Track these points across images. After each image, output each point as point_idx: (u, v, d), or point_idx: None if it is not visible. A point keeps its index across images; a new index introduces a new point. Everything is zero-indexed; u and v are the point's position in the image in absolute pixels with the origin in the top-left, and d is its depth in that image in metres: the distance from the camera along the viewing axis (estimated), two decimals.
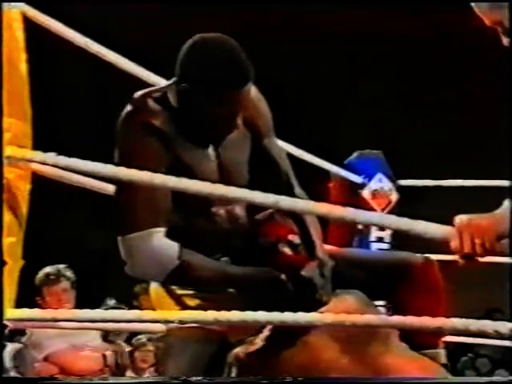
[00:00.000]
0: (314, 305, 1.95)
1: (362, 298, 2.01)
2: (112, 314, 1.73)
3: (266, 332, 2.01)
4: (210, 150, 2.04)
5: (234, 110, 1.98)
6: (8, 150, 1.69)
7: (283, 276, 1.97)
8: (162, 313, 1.90)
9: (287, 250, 2.03)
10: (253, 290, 1.96)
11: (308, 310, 1.80)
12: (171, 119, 1.98)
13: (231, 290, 2.01)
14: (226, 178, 2.02)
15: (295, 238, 2.05)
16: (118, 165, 1.92)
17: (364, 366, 1.93)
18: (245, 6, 6.57)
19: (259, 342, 2.01)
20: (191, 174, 1.94)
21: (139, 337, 4.68)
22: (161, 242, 1.93)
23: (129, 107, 2.00)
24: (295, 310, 1.72)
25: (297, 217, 2.09)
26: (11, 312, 1.68)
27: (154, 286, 2.08)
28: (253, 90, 2.08)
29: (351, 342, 1.94)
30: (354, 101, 8.12)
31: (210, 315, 1.69)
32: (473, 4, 2.01)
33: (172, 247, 1.94)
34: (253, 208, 2.08)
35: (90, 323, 2.30)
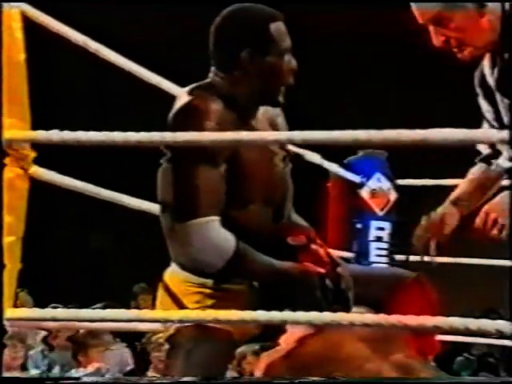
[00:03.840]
0: (346, 305, 1.98)
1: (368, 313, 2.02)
2: (112, 314, 1.73)
3: (287, 335, 2.01)
4: (263, 150, 2.06)
5: (287, 48, 2.04)
6: (7, 134, 1.69)
7: (322, 270, 2.00)
8: (162, 312, 1.90)
9: (320, 250, 2.05)
10: (294, 284, 1.98)
11: (339, 310, 1.84)
12: (229, 106, 2.01)
13: (256, 287, 2.03)
14: (269, 179, 2.06)
15: (322, 243, 2.08)
16: (177, 159, 1.96)
17: (385, 362, 1.94)
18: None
19: (284, 346, 2.02)
20: (245, 169, 1.99)
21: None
22: (220, 231, 1.95)
23: (185, 98, 2.01)
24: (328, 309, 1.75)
25: None
26: (11, 312, 1.68)
27: (162, 292, 2.09)
28: (281, 115, 2.16)
29: (372, 340, 1.95)
30: (353, 100, 8.12)
31: (210, 314, 1.69)
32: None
33: (230, 237, 1.96)
34: (279, 211, 2.11)
35: (90, 323, 2.31)
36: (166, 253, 2.07)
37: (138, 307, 5.26)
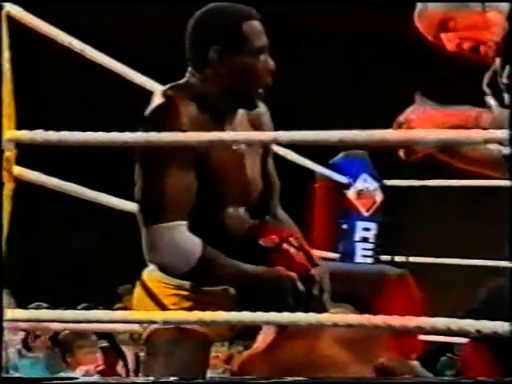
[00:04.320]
0: (320, 308, 1.96)
1: (352, 312, 2.01)
2: (96, 315, 1.72)
3: (264, 334, 2.02)
4: (235, 151, 2.04)
5: (263, 47, 2.01)
6: (8, 134, 1.68)
7: (293, 274, 1.98)
8: (147, 313, 1.90)
9: (292, 250, 2.03)
10: (265, 289, 1.97)
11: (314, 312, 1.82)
12: (203, 108, 2.00)
13: (232, 290, 2.03)
14: (243, 180, 2.06)
15: (296, 241, 2.06)
16: (145, 163, 1.96)
17: (362, 365, 1.94)
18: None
19: (260, 345, 2.02)
20: (215, 172, 1.99)
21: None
22: (186, 235, 1.96)
23: (159, 100, 2.00)
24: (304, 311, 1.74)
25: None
26: (11, 312, 1.67)
27: (139, 289, 2.09)
28: (266, 114, 2.14)
29: (352, 343, 1.95)
30: (353, 100, 8.09)
31: (195, 315, 1.69)
32: (416, 12, 2.01)
33: (196, 241, 1.96)
34: (253, 211, 2.10)
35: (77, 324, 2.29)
36: None
37: (123, 308, 5.24)
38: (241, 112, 2.09)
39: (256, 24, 2.02)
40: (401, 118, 2.11)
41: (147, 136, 1.67)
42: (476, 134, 1.47)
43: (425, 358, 2.18)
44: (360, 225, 3.92)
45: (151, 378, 1.97)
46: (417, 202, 6.66)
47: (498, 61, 2.07)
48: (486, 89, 2.13)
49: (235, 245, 2.04)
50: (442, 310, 1.93)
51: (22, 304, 4.38)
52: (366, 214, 3.93)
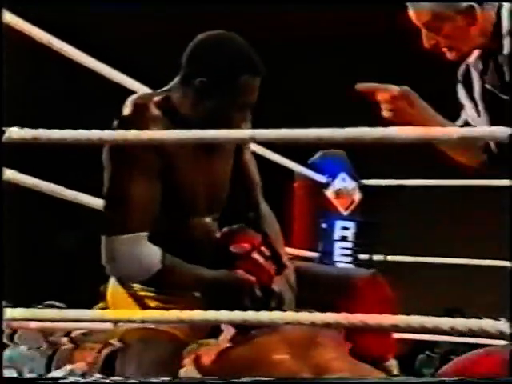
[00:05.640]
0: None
1: None
2: (74, 314, 1.72)
3: (225, 334, 2.03)
4: (203, 158, 2.03)
5: (249, 103, 1.98)
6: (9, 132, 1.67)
7: (253, 278, 2.01)
8: (124, 312, 1.90)
9: (260, 258, 2.07)
10: (223, 293, 1.98)
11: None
12: (171, 125, 1.95)
13: (197, 294, 2.03)
14: (211, 187, 2.05)
15: (266, 250, 2.09)
16: (111, 172, 1.95)
17: (305, 366, 1.96)
18: (245, 6, 6.58)
19: (220, 344, 2.03)
20: (181, 182, 1.98)
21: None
22: (146, 247, 1.96)
23: (126, 111, 1.98)
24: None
25: (260, 228, 2.13)
26: (10, 312, 1.67)
27: (113, 285, 2.09)
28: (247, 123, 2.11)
29: (298, 343, 1.97)
30: (352, 100, 8.10)
31: (173, 314, 1.69)
32: (409, 4, 2.09)
33: (156, 252, 1.96)
34: (223, 220, 2.11)
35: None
36: None
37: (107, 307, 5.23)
38: None
39: (255, 82, 1.96)
40: None
41: (124, 134, 1.66)
42: (453, 132, 1.49)
43: (403, 356, 2.19)
44: (339, 224, 3.94)
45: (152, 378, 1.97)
46: (395, 201, 6.70)
47: (473, 58, 2.12)
48: (460, 78, 2.18)
49: (202, 251, 2.05)
50: (418, 309, 1.94)
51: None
52: (344, 213, 3.95)
